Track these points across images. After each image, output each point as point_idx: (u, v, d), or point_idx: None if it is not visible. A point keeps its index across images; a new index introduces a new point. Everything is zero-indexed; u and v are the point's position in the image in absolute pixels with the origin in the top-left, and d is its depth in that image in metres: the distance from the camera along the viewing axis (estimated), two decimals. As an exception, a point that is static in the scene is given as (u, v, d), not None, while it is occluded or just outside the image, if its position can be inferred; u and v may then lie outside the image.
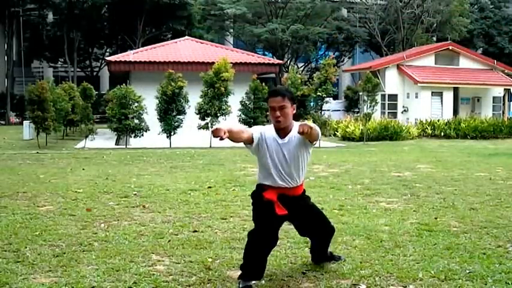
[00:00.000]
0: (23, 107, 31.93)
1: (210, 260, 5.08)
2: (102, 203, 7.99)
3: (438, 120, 27.59)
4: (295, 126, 4.41)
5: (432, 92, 31.20)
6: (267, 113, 23.81)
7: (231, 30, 48.34)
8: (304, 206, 4.69)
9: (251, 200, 4.64)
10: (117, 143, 22.15)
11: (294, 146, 4.43)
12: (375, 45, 47.46)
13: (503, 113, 33.76)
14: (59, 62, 47.31)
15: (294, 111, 4.45)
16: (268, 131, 4.49)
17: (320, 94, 21.04)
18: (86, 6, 39.89)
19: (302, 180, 4.62)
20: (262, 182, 4.53)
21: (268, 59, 30.67)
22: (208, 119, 20.57)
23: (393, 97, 32.21)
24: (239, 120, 21.49)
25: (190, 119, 20.62)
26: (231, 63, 22.03)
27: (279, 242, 5.71)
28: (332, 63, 21.65)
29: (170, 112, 20.52)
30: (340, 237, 5.93)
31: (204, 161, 14.54)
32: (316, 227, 4.79)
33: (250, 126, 22.67)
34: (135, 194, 8.76)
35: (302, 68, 47.96)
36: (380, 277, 4.62)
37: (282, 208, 4.42)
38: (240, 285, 4.33)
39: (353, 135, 24.60)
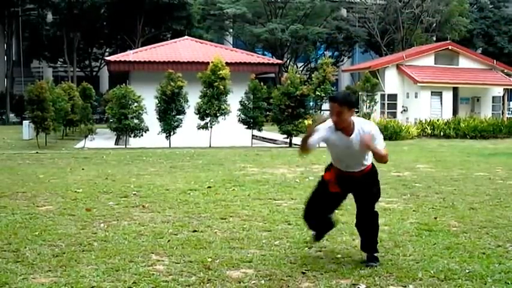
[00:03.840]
0: (23, 107, 31.90)
1: (209, 259, 5.08)
2: (101, 203, 7.99)
3: (438, 120, 27.57)
4: (358, 124, 4.88)
5: (432, 92, 31.18)
6: (267, 113, 23.57)
7: (231, 30, 48.35)
8: (362, 184, 5.11)
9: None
10: (116, 143, 22.15)
11: (355, 144, 4.87)
12: (374, 45, 47.46)
13: (502, 112, 33.76)
14: (59, 62, 47.30)
15: (352, 114, 4.86)
16: (329, 128, 4.91)
17: (319, 94, 21.03)
18: (85, 6, 39.86)
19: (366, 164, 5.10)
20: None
21: (268, 58, 30.67)
22: (207, 119, 20.56)
23: (393, 97, 32.19)
24: (238, 120, 21.49)
25: (190, 119, 20.61)
26: (231, 63, 22.04)
27: (278, 242, 5.75)
28: (329, 63, 21.64)
29: (170, 112, 20.50)
30: (340, 237, 5.93)
31: (204, 160, 14.53)
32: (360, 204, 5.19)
33: (249, 126, 22.56)
34: (134, 194, 8.76)
35: (301, 68, 47.94)
36: (379, 277, 4.62)
37: (335, 186, 5.09)
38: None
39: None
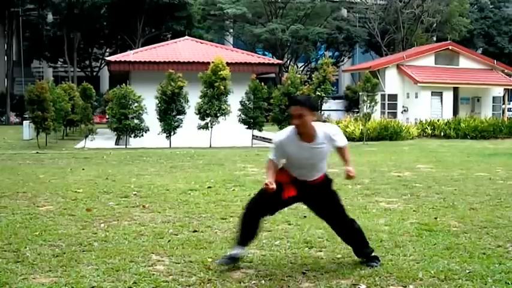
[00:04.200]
0: (23, 107, 31.93)
1: (209, 260, 5.08)
2: (102, 203, 7.99)
3: (438, 120, 27.57)
4: (319, 129, 4.72)
5: (432, 92, 31.19)
6: (267, 113, 23.61)
7: (231, 30, 48.37)
8: (319, 194, 4.96)
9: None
10: (117, 143, 22.15)
11: (320, 151, 4.75)
12: (374, 45, 47.47)
13: (503, 112, 33.76)
14: (59, 62, 47.33)
15: (314, 118, 4.67)
16: (286, 138, 4.76)
17: (319, 94, 21.04)
18: (85, 6, 39.89)
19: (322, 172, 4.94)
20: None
21: (268, 59, 30.68)
22: (208, 119, 20.57)
23: (393, 97, 32.20)
24: (239, 120, 21.49)
25: (190, 119, 20.62)
26: (231, 63, 22.04)
27: (278, 242, 5.74)
28: (330, 63, 21.64)
29: (170, 112, 20.52)
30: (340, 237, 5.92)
31: (204, 161, 14.53)
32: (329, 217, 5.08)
33: (249, 126, 22.55)
34: (135, 194, 8.76)
35: (302, 68, 47.96)
36: (380, 277, 4.62)
37: (290, 189, 4.82)
38: (232, 252, 4.88)
39: (353, 135, 24.58)
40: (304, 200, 5.07)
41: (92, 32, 44.05)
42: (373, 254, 5.04)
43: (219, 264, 4.81)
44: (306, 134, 4.66)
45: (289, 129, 4.76)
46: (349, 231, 5.04)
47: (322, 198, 4.97)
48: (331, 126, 4.93)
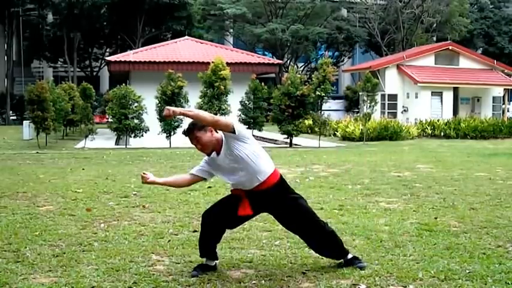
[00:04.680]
0: (23, 107, 31.94)
1: (210, 260, 5.07)
2: (102, 203, 7.99)
3: (438, 120, 27.58)
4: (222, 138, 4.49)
5: (432, 92, 31.21)
6: (267, 113, 23.59)
7: (231, 30, 48.38)
8: (274, 201, 4.67)
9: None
10: (117, 143, 22.16)
11: (229, 155, 4.47)
12: (374, 45, 47.49)
13: (503, 113, 33.77)
14: (59, 62, 47.34)
15: (212, 132, 4.48)
16: (205, 162, 4.70)
17: (319, 94, 21.05)
18: (85, 6, 39.91)
19: (264, 176, 4.55)
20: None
21: (268, 59, 30.70)
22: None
23: (393, 97, 32.21)
24: (239, 120, 21.50)
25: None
26: (231, 63, 22.05)
27: (278, 242, 5.74)
28: (330, 63, 21.66)
29: (170, 112, 20.50)
30: (340, 237, 5.92)
31: (204, 161, 14.51)
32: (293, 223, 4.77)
33: (249, 126, 22.53)
34: (135, 194, 8.75)
35: (302, 68, 47.98)
36: (380, 277, 4.62)
37: (246, 209, 4.57)
38: (204, 262, 4.77)
39: (353, 135, 24.59)
40: (265, 211, 4.83)
41: (92, 32, 44.07)
42: (350, 256, 4.82)
43: (192, 276, 4.60)
44: (215, 150, 4.53)
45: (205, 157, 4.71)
46: (319, 235, 4.70)
47: (280, 206, 4.67)
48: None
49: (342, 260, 4.81)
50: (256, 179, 4.51)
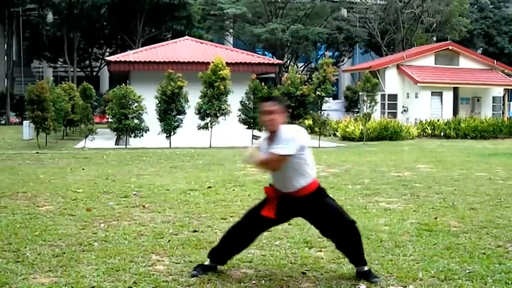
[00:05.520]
0: (23, 107, 31.94)
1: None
2: (102, 203, 7.99)
3: (438, 120, 27.59)
4: (283, 131, 4.38)
5: (432, 92, 31.20)
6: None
7: (231, 30, 48.35)
8: (308, 210, 4.61)
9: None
10: (117, 143, 22.15)
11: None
12: (374, 45, 47.47)
13: (503, 113, 33.76)
14: (59, 62, 47.34)
15: (283, 119, 4.41)
16: (263, 141, 4.60)
17: (319, 94, 21.04)
18: (85, 6, 39.89)
19: (303, 184, 4.50)
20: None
21: (268, 59, 30.68)
22: (208, 119, 20.57)
23: (393, 97, 32.21)
24: (239, 120, 21.49)
25: (190, 119, 20.62)
26: (231, 63, 22.04)
27: (278, 242, 5.74)
28: (330, 63, 21.67)
29: (170, 112, 20.51)
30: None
31: (204, 161, 14.53)
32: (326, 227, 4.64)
33: (249, 127, 22.52)
34: (135, 194, 8.76)
35: (302, 68, 47.97)
36: (380, 277, 4.62)
37: (271, 211, 4.49)
38: (205, 263, 4.74)
39: (353, 135, 24.59)
40: (295, 216, 4.81)
41: (92, 32, 44.06)
42: (366, 269, 4.62)
43: (192, 276, 4.59)
44: (273, 135, 4.42)
45: (264, 136, 4.62)
46: (348, 236, 4.57)
47: (311, 211, 4.60)
48: (288, 130, 4.41)
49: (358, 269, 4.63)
50: (296, 183, 4.46)
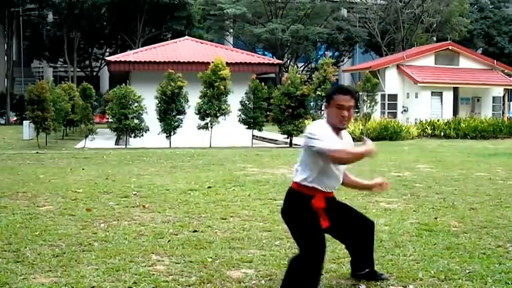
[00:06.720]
0: (23, 107, 31.95)
1: (209, 259, 5.08)
2: (102, 203, 7.98)
3: (438, 120, 27.59)
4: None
5: (432, 92, 31.20)
6: (267, 113, 23.40)
7: (231, 30, 48.39)
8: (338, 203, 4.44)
9: (291, 210, 4.16)
10: (117, 143, 22.16)
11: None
12: (374, 45, 47.50)
13: (503, 113, 33.77)
14: (59, 62, 47.36)
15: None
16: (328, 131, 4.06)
17: (319, 94, 21.05)
18: (85, 6, 39.92)
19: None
20: (311, 184, 4.07)
21: (268, 59, 30.69)
22: (208, 119, 20.58)
23: (393, 97, 32.21)
24: (239, 120, 21.49)
25: (190, 119, 20.62)
26: (231, 63, 22.04)
27: (278, 242, 5.74)
28: (330, 63, 21.67)
29: (170, 112, 20.52)
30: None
31: (204, 161, 14.53)
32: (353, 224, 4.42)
33: (249, 126, 22.51)
34: (135, 194, 8.75)
35: (302, 68, 47.99)
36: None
37: (326, 219, 4.10)
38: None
39: (353, 135, 24.49)
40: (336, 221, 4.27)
41: (92, 32, 44.08)
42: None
43: None
44: (337, 132, 4.07)
45: (321, 125, 4.10)
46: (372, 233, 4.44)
47: (341, 211, 4.38)
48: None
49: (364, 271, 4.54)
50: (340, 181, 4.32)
